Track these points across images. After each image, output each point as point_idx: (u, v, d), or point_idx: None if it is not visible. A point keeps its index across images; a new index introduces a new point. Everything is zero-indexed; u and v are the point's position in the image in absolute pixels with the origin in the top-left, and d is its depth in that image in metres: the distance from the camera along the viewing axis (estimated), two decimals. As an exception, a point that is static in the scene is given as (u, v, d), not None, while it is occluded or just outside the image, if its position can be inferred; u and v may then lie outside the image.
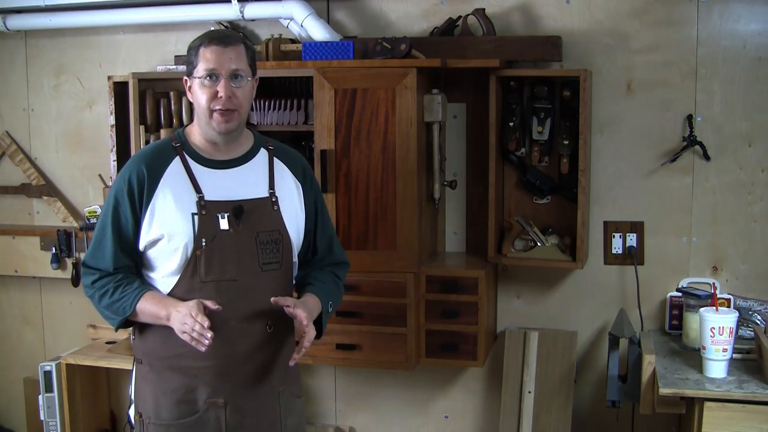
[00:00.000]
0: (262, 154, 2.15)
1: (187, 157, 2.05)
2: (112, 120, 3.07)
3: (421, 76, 2.71)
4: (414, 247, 2.71)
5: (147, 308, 2.01)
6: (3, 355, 3.78)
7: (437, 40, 2.93)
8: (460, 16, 2.94)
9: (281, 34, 3.01)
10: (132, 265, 2.07)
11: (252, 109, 2.91)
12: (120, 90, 3.04)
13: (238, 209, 2.05)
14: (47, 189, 3.57)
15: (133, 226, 2.02)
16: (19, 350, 3.75)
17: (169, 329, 1.98)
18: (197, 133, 2.10)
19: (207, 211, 2.02)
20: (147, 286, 2.06)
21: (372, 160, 2.71)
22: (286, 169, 2.17)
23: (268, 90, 2.98)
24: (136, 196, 2.00)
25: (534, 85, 2.86)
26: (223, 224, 2.02)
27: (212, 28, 3.21)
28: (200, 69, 2.01)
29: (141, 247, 2.03)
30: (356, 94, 2.69)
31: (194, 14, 3.15)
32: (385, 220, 2.71)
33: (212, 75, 2.00)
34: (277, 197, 2.11)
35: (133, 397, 2.15)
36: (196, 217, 2.00)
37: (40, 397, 3.34)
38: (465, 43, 2.86)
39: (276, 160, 2.17)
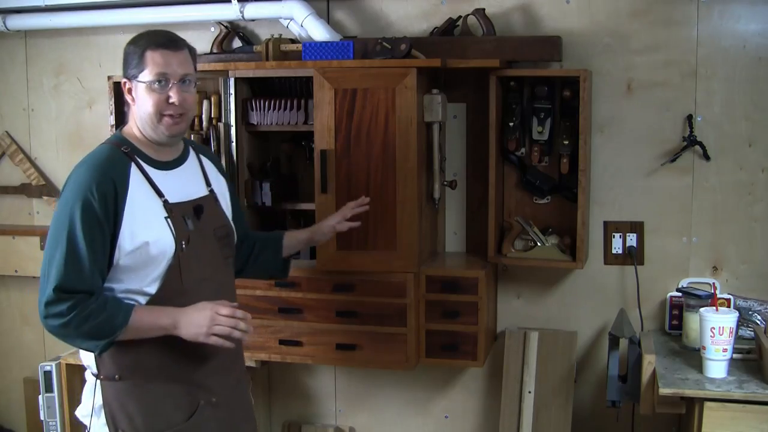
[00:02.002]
0: (192, 153, 2.17)
1: (140, 161, 2.00)
2: (112, 120, 3.07)
3: (421, 76, 2.71)
4: (414, 247, 2.71)
5: (144, 320, 1.92)
6: (3, 355, 3.78)
7: (437, 40, 2.93)
8: (460, 16, 2.94)
9: (281, 34, 3.01)
10: (102, 284, 1.94)
11: (252, 109, 2.91)
12: (120, 90, 3.01)
13: (198, 208, 2.08)
14: (47, 189, 3.58)
15: (107, 239, 1.89)
16: (19, 350, 3.75)
17: (163, 339, 1.95)
18: (139, 136, 2.04)
19: (174, 213, 2.00)
20: (129, 300, 1.96)
21: (372, 160, 2.71)
22: (211, 164, 2.23)
23: (268, 90, 2.98)
24: (110, 207, 1.89)
25: (534, 85, 2.86)
26: (190, 225, 2.03)
27: (212, 29, 3.23)
28: (148, 73, 1.97)
29: (116, 259, 1.91)
30: (356, 94, 2.68)
31: (194, 14, 3.15)
32: (385, 220, 2.71)
33: (162, 80, 1.98)
34: (215, 193, 2.17)
35: (104, 415, 1.99)
36: (169, 220, 1.98)
37: (40, 397, 3.34)
38: (465, 43, 2.86)
39: (202, 158, 2.20)
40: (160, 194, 1.99)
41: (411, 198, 2.70)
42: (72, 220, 1.87)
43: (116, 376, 1.98)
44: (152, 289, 1.97)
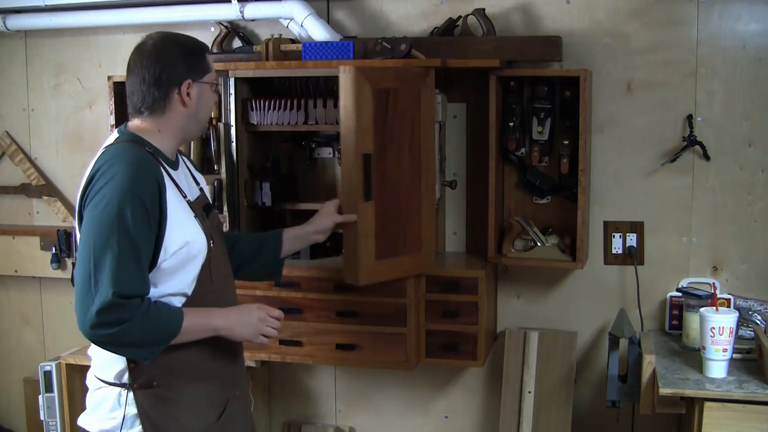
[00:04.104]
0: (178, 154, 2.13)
1: (162, 162, 1.96)
2: (112, 120, 3.07)
3: (422, 76, 2.70)
4: (432, 247, 2.70)
5: (197, 323, 1.91)
6: (3, 355, 3.78)
7: (437, 40, 2.93)
8: (460, 16, 2.94)
9: (281, 34, 3.01)
10: None
11: (252, 109, 2.91)
12: (120, 90, 3.03)
13: (208, 207, 2.10)
14: (47, 189, 3.57)
15: (153, 242, 1.85)
16: (19, 350, 3.75)
17: (200, 340, 1.95)
18: (165, 136, 1.99)
19: (196, 212, 2.01)
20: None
21: (402, 163, 2.63)
22: (190, 163, 2.21)
23: (268, 90, 2.98)
24: (156, 208, 1.85)
25: (534, 85, 2.86)
26: (208, 223, 2.05)
27: (212, 29, 3.23)
28: (212, 75, 2.04)
29: (161, 261, 1.88)
30: (389, 93, 2.58)
31: (194, 14, 3.15)
32: (412, 224, 2.67)
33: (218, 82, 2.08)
34: (204, 191, 2.17)
35: (141, 424, 1.93)
36: (196, 219, 1.99)
37: (40, 397, 3.34)
38: (465, 43, 2.86)
39: (183, 157, 2.16)
40: (183, 194, 1.99)
41: (430, 200, 2.70)
42: (123, 221, 1.78)
43: (153, 383, 1.93)
44: (190, 290, 1.96)
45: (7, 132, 3.63)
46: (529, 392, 2.96)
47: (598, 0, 2.89)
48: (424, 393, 3.26)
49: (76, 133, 3.53)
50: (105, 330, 1.77)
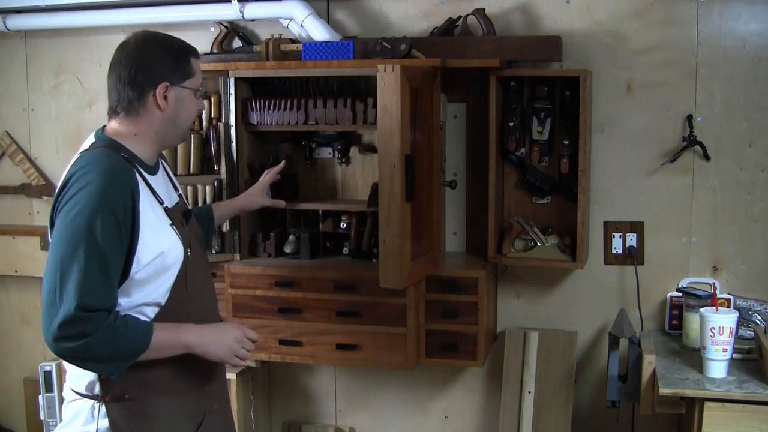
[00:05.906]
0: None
1: (138, 167, 1.87)
2: (112, 120, 3.07)
3: (422, 76, 2.70)
4: (441, 247, 2.71)
5: (166, 339, 1.82)
6: (3, 355, 3.78)
7: (437, 40, 2.93)
8: (460, 16, 2.94)
9: (281, 34, 3.01)
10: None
11: (252, 109, 2.91)
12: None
13: (187, 213, 2.03)
14: (47, 189, 3.57)
15: (124, 253, 1.77)
16: (19, 350, 3.75)
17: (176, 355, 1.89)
18: (144, 141, 1.91)
19: (174, 220, 1.93)
20: (139, 315, 1.85)
21: (424, 163, 2.65)
22: (167, 167, 2.13)
23: (268, 90, 2.98)
24: (129, 219, 1.77)
25: (534, 85, 2.86)
26: (186, 230, 1.98)
27: (212, 29, 3.23)
28: (196, 80, 1.95)
29: (133, 272, 1.80)
30: (417, 93, 2.57)
31: (194, 14, 3.15)
32: (428, 224, 2.69)
33: (202, 87, 1.99)
34: (183, 197, 2.11)
35: None
36: (173, 227, 1.91)
37: (40, 397, 3.34)
38: (465, 43, 2.86)
39: (161, 161, 2.08)
40: (160, 201, 1.91)
41: (439, 201, 2.72)
42: (92, 232, 1.70)
43: (125, 396, 1.86)
44: (164, 300, 1.89)
45: (7, 132, 3.63)
46: (529, 392, 2.96)
47: (598, 0, 2.89)
48: (424, 393, 3.26)
49: (76, 133, 3.53)
50: (68, 343, 1.69)
